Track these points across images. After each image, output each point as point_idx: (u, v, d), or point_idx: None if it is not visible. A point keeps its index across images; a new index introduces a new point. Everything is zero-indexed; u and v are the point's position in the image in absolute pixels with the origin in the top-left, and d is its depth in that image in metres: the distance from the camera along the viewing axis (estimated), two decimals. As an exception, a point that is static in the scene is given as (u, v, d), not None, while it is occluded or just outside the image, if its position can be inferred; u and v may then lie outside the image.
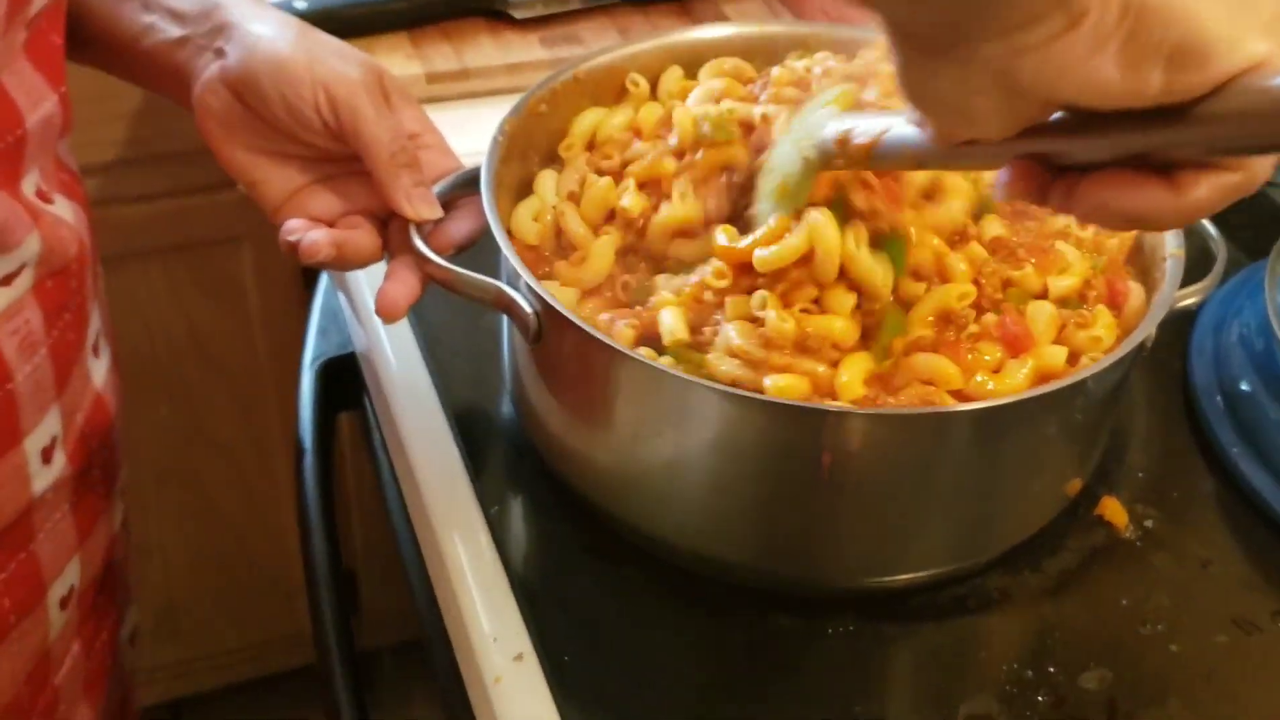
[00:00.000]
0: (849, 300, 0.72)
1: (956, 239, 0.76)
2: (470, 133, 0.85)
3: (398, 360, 0.90)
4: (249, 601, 1.76)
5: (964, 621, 0.76)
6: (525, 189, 0.85)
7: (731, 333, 0.70)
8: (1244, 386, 0.90)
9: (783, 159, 0.74)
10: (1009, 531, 0.78)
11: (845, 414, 0.68)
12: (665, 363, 0.70)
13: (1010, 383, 0.71)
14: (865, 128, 0.66)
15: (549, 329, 0.72)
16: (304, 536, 0.90)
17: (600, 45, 1.14)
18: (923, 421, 0.68)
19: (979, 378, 0.71)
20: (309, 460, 0.93)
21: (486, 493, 0.80)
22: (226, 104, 0.76)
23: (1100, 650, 0.74)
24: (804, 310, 0.71)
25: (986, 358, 0.71)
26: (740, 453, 0.70)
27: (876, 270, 0.71)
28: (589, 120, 0.88)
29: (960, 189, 0.77)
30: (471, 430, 0.84)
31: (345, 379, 0.98)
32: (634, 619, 0.75)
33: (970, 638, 0.75)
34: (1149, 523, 0.82)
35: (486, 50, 1.13)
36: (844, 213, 0.72)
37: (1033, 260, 0.77)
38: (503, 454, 0.84)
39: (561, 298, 0.76)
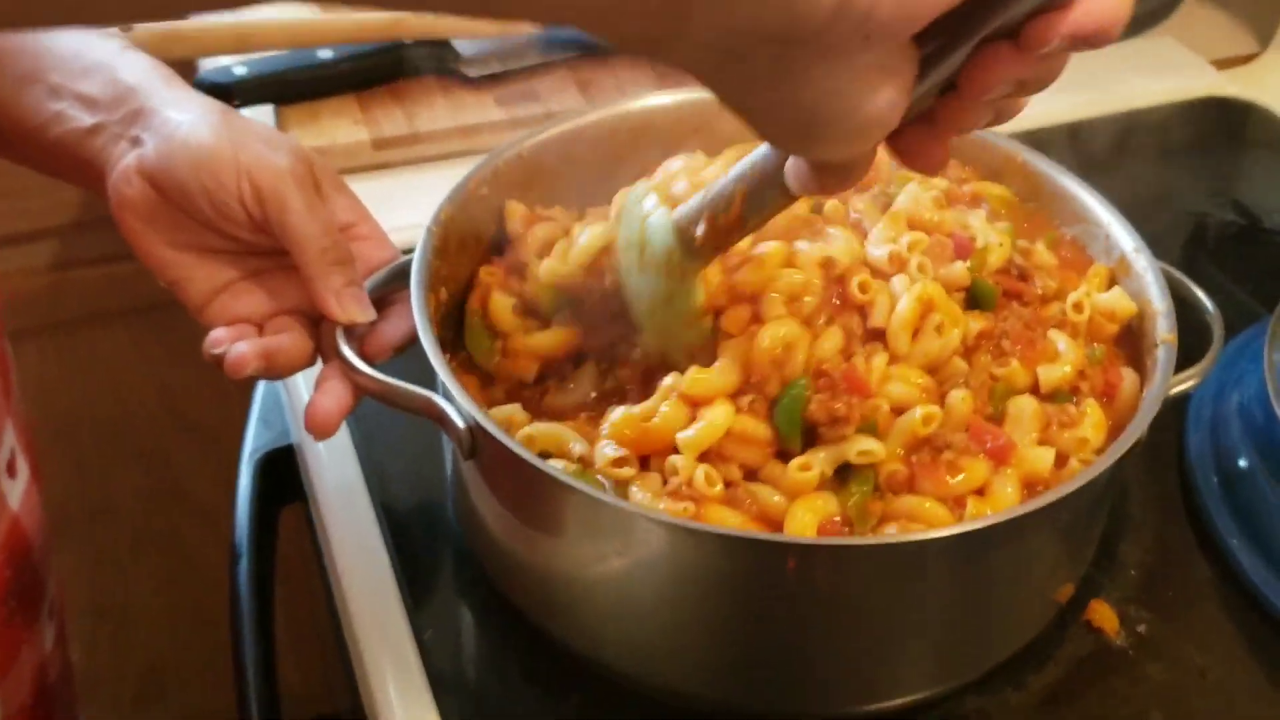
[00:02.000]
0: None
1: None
2: (421, 202, 0.80)
3: (330, 459, 0.84)
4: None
5: (941, 750, 0.70)
6: (467, 281, 0.80)
7: (634, 490, 0.65)
8: (1242, 463, 0.84)
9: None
10: (997, 649, 0.72)
11: (813, 547, 0.62)
12: (603, 489, 0.65)
13: (999, 501, 0.65)
14: (721, 188, 0.63)
15: (484, 446, 0.66)
16: (236, 651, 0.85)
17: (559, 103, 1.09)
18: (898, 551, 0.62)
19: (968, 507, 0.65)
20: (244, 566, 0.87)
21: (421, 613, 0.74)
22: (144, 195, 0.70)
23: (1089, 778, 0.69)
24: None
25: (961, 477, 0.65)
26: (694, 584, 0.65)
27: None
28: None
29: (955, 318, 0.71)
30: (408, 538, 0.79)
31: (289, 470, 0.92)
32: (582, 758, 0.69)
33: (947, 767, 0.69)
34: (1142, 627, 0.76)
35: (439, 112, 1.08)
36: (803, 432, 0.66)
37: (1018, 351, 0.72)
38: (442, 566, 0.78)
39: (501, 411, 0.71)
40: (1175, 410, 0.89)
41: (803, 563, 0.62)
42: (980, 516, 0.64)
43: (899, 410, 0.67)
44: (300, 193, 0.70)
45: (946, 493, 0.65)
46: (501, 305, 0.77)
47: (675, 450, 0.65)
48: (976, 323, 0.72)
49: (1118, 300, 0.76)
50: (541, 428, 0.69)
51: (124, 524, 1.62)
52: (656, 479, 0.65)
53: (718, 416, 0.65)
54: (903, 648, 0.68)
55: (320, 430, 0.71)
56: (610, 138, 0.86)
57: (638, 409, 0.67)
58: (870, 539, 0.63)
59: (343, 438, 0.85)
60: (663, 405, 0.66)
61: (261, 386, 0.99)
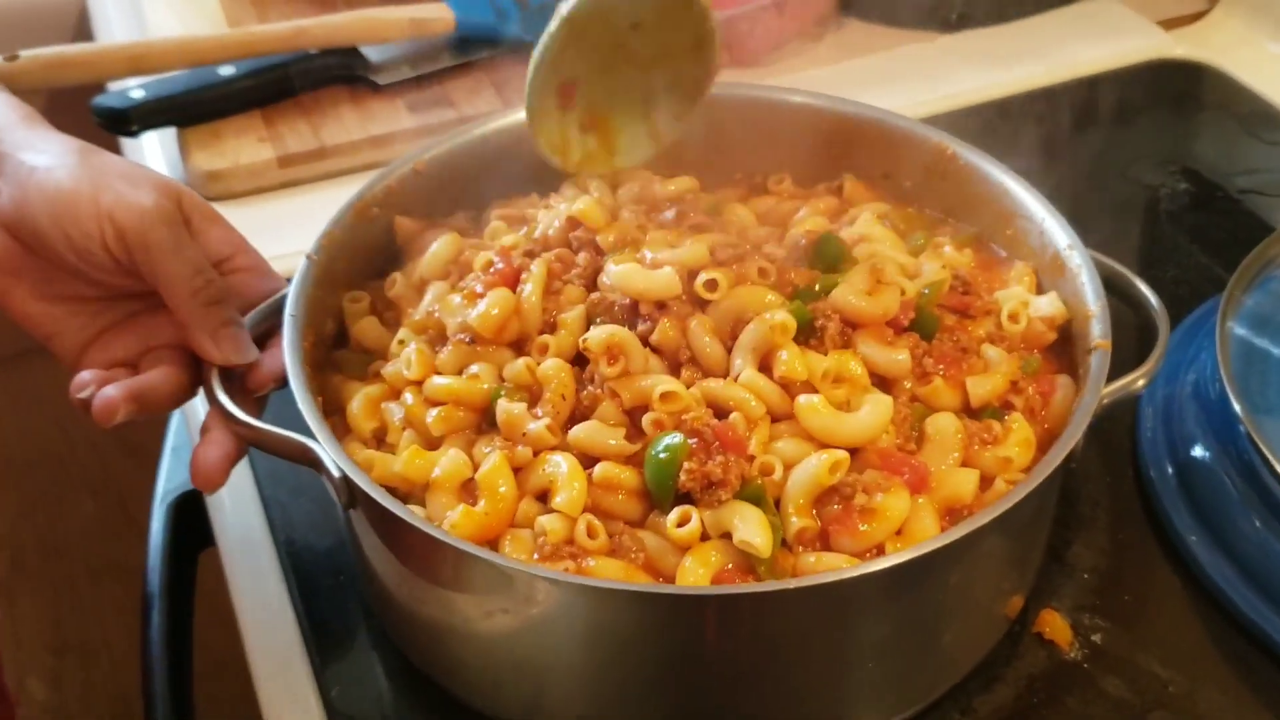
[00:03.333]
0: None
1: None
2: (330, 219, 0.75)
3: (232, 505, 0.79)
4: (203, 688, 1.68)
5: (883, 787, 0.65)
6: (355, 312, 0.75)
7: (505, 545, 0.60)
8: (1198, 452, 0.79)
9: None
10: (944, 675, 0.67)
11: (727, 598, 0.57)
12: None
13: (918, 538, 0.60)
14: None
15: (360, 498, 0.61)
16: (147, 704, 0.80)
17: (473, 107, 1.04)
18: (820, 593, 0.57)
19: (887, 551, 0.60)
20: (156, 616, 0.82)
21: (329, 669, 0.69)
22: (4, 248, 0.66)
23: (1043, 813, 0.64)
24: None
25: (872, 525, 0.60)
26: (599, 640, 0.60)
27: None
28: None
29: (856, 379, 0.65)
30: (314, 587, 0.74)
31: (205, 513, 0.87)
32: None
33: (891, 808, 0.65)
34: (1097, 637, 0.71)
35: (347, 123, 1.02)
36: (671, 494, 0.61)
37: (941, 370, 0.67)
38: (351, 616, 0.72)
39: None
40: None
41: (717, 613, 0.57)
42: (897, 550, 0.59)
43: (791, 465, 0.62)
44: (168, 231, 0.65)
45: (864, 544, 0.60)
46: (367, 326, 0.73)
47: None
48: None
49: (1054, 305, 0.71)
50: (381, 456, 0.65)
51: (79, 557, 1.59)
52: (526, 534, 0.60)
53: (574, 477, 0.60)
54: (833, 689, 0.63)
55: (207, 483, 0.66)
56: (519, 143, 0.81)
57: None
58: (779, 584, 0.57)
59: (245, 480, 0.80)
60: (500, 486, 0.61)
61: (174, 421, 0.94)
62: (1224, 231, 1.01)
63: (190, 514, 0.87)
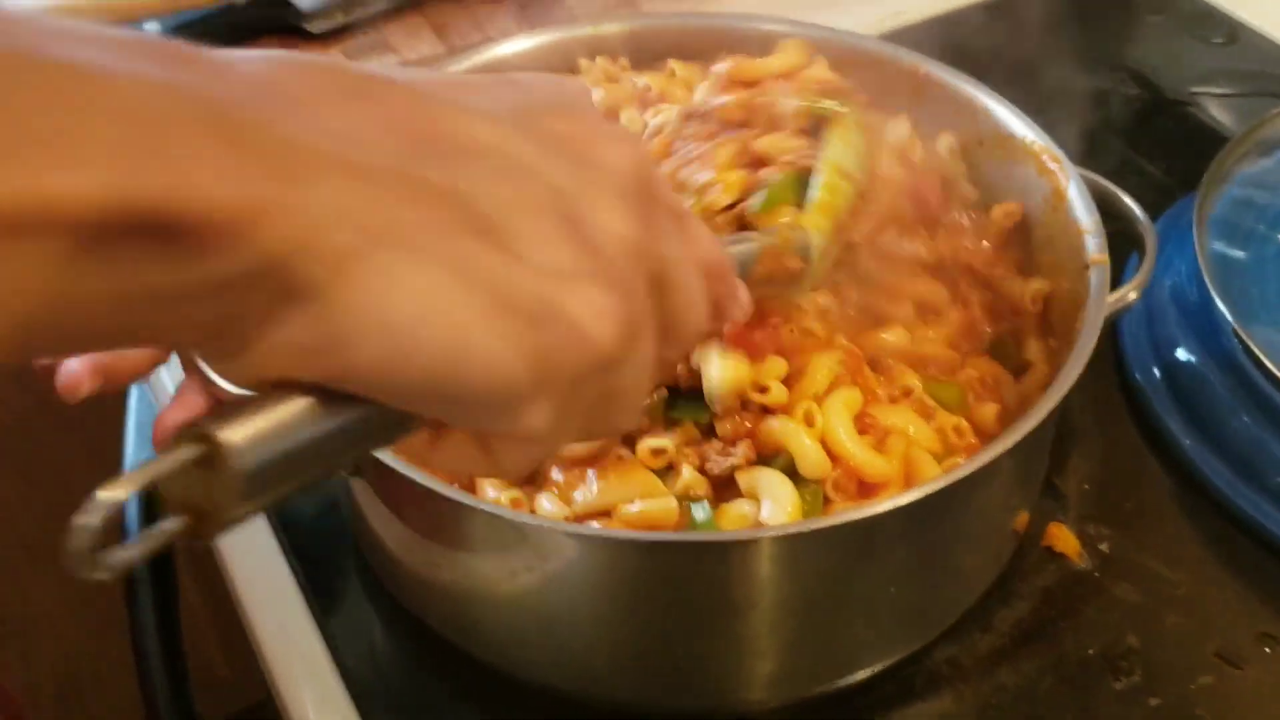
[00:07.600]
0: None
1: None
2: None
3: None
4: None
5: (913, 711, 0.65)
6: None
7: (543, 501, 0.59)
8: (1182, 354, 0.79)
9: None
10: (962, 597, 0.67)
11: (750, 541, 0.55)
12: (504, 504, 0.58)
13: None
14: None
15: (369, 463, 0.59)
16: (141, 672, 0.77)
17: (414, 51, 1.01)
18: (845, 531, 0.55)
19: None
20: (142, 597, 0.79)
21: (331, 626, 0.68)
22: None
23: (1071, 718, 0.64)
24: None
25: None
26: (623, 594, 0.58)
27: None
28: None
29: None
30: (308, 547, 0.71)
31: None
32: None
33: (922, 729, 0.64)
34: (1104, 545, 0.71)
35: (284, 75, 0.98)
36: None
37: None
38: (347, 576, 0.71)
39: None
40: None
41: (741, 556, 0.56)
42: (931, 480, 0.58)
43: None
44: None
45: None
46: None
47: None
48: None
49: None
50: None
51: (13, 536, 1.54)
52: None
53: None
54: (861, 623, 0.62)
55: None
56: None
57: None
58: (802, 525, 0.56)
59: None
60: None
61: (134, 394, 0.90)
62: (1172, 137, 1.01)
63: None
